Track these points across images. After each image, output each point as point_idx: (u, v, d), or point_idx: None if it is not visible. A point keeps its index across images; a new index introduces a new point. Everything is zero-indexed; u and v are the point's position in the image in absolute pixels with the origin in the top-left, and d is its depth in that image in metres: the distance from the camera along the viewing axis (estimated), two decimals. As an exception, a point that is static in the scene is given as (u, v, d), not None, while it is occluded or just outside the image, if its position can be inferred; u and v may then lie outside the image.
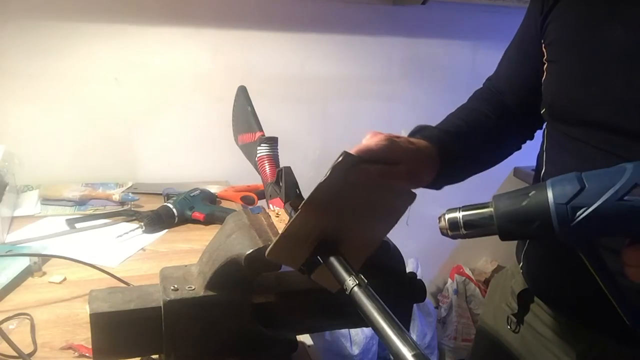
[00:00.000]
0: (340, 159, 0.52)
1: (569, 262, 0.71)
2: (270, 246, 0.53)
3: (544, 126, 0.78)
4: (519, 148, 0.83)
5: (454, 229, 0.51)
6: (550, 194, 0.47)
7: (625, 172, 0.45)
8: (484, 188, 1.43)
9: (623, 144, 0.60)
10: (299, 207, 0.52)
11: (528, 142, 0.85)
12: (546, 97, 0.72)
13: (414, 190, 0.58)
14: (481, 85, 0.87)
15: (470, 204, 0.51)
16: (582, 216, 0.45)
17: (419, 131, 0.70)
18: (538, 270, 0.78)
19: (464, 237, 0.51)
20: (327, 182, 0.51)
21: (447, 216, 0.51)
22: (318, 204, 0.52)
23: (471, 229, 0.50)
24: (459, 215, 0.50)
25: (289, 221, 0.54)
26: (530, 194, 0.48)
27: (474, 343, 0.97)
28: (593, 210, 0.45)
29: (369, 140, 0.56)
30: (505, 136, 0.80)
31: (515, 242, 0.86)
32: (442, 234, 0.52)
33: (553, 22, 0.70)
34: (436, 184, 0.68)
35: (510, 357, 0.82)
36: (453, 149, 0.67)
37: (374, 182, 0.54)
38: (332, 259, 0.52)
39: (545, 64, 0.72)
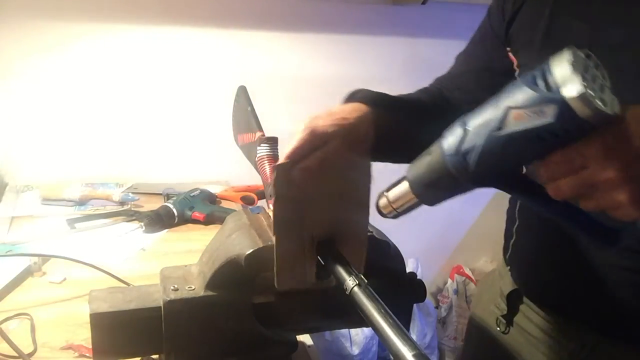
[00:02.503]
0: (275, 175, 0.53)
1: (557, 261, 0.71)
2: (276, 279, 0.54)
3: None
4: None
5: (388, 210, 0.53)
6: (443, 147, 0.46)
7: (500, 98, 0.43)
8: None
9: None
10: (273, 234, 0.53)
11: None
12: None
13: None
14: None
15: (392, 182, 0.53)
16: (473, 160, 0.44)
17: (352, 95, 0.68)
18: (526, 272, 0.79)
19: (399, 214, 0.53)
20: (280, 199, 0.53)
21: (379, 202, 0.53)
22: (287, 219, 0.53)
23: (400, 205, 0.52)
24: (385, 195, 0.52)
25: (274, 251, 0.54)
26: (431, 151, 0.48)
27: (463, 345, 0.97)
28: (479, 152, 0.43)
29: (292, 141, 0.55)
30: (443, 127, 0.79)
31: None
32: (381, 216, 0.54)
33: (517, 29, 0.71)
34: (381, 150, 0.64)
35: (500, 359, 0.82)
36: (387, 106, 0.66)
37: (319, 172, 0.54)
38: (332, 260, 0.52)
39: (516, 70, 0.72)
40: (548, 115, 0.39)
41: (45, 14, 1.42)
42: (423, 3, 1.66)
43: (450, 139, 0.46)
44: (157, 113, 1.60)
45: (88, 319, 0.55)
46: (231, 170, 1.64)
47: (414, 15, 1.79)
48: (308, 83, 1.75)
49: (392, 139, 0.65)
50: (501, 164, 0.43)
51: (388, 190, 0.53)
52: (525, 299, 0.79)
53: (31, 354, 0.74)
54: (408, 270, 0.67)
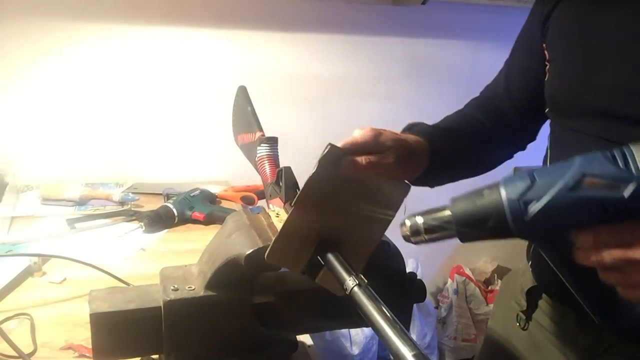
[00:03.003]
0: (326, 151, 0.52)
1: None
2: (269, 248, 0.53)
3: (549, 132, 0.78)
4: (511, 157, 0.85)
5: (415, 235, 0.50)
6: (503, 191, 0.47)
7: (574, 163, 0.46)
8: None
9: (620, 130, 0.62)
10: (293, 204, 0.52)
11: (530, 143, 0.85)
12: (547, 93, 0.73)
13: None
14: (480, 88, 0.88)
15: (429, 208, 0.50)
16: (534, 210, 0.46)
17: (410, 128, 0.72)
18: (546, 268, 0.79)
19: (426, 242, 0.51)
20: (316, 176, 0.52)
21: (408, 222, 0.50)
22: (311, 199, 0.52)
23: (432, 233, 0.50)
24: (419, 220, 0.50)
25: (285, 220, 0.54)
26: (484, 193, 0.48)
27: (484, 339, 0.98)
28: (544, 204, 0.45)
29: (354, 134, 0.57)
30: (498, 143, 0.82)
31: (519, 241, 0.86)
32: (405, 240, 0.51)
33: (553, 25, 0.73)
34: (426, 179, 0.68)
35: (518, 355, 0.83)
36: (442, 143, 0.69)
37: (364, 173, 0.54)
38: (332, 259, 0.52)
39: (547, 65, 0.73)
40: (622, 191, 0.43)
41: (46, 14, 1.42)
42: (423, 3, 1.66)
43: (514, 186, 0.47)
44: (157, 113, 1.60)
45: (88, 319, 0.55)
46: (231, 170, 1.64)
47: (414, 15, 1.79)
48: (308, 83, 1.75)
49: (448, 167, 0.70)
50: (558, 221, 0.46)
51: (423, 215, 0.50)
52: (544, 296, 0.80)
53: (31, 354, 0.74)
54: (408, 270, 0.67)
